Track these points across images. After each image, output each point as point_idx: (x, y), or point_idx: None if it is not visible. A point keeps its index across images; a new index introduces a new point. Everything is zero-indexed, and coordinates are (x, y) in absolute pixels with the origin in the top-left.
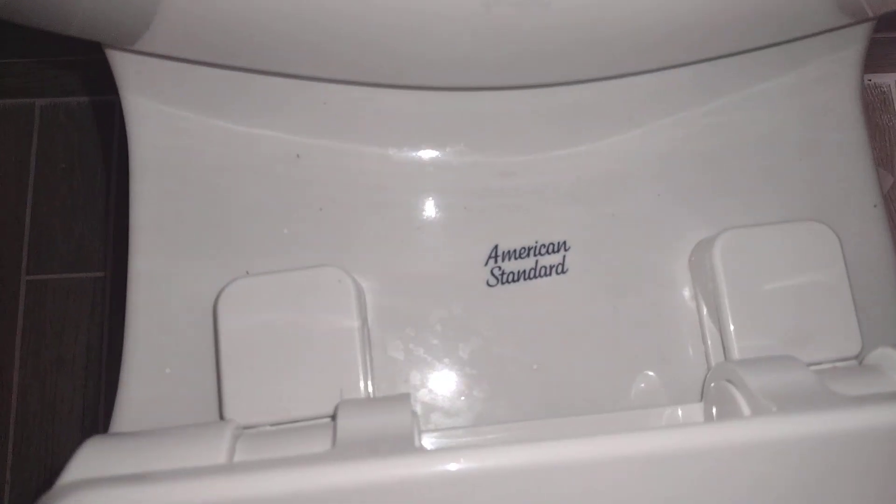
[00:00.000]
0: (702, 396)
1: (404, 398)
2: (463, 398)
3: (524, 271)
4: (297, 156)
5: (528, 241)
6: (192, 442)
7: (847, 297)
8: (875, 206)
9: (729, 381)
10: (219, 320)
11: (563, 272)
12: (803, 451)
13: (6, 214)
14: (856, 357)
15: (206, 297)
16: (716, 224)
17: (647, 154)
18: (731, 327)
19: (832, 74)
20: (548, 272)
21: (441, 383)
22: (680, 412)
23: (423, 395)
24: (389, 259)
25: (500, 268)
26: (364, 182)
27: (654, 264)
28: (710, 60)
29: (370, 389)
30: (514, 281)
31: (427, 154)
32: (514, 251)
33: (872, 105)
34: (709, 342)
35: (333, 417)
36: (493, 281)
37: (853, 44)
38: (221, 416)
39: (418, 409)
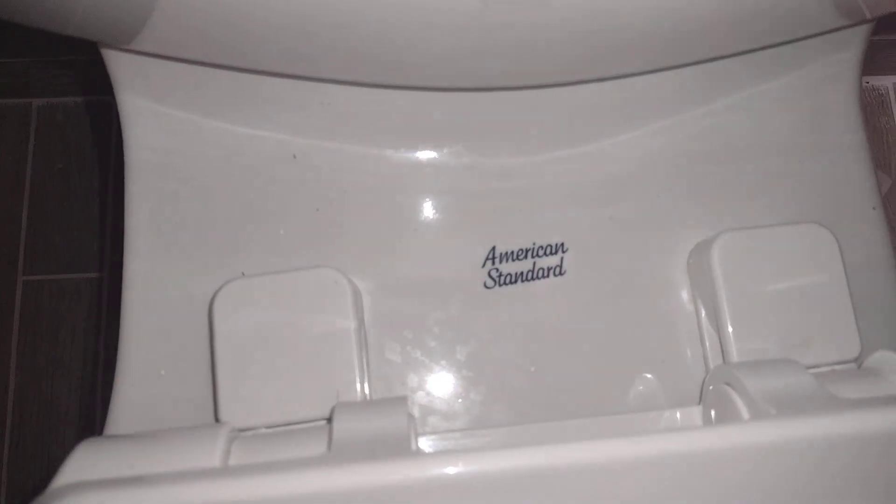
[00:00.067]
0: (700, 399)
1: (401, 401)
2: (460, 401)
3: (522, 273)
4: (294, 156)
5: (526, 243)
6: (186, 445)
7: (846, 299)
8: (874, 208)
9: (728, 384)
10: (214, 322)
11: (560, 274)
12: (803, 454)
13: (2, 214)
14: (855, 360)
15: (202, 298)
16: (714, 226)
17: (646, 156)
18: (730, 330)
19: (831, 76)
20: (545, 274)
21: (438, 386)
22: (678, 415)
23: (420, 397)
24: (386, 260)
25: (497, 269)
26: (361, 183)
27: (653, 266)
28: (708, 62)
29: (367, 392)
30: (511, 283)
31: (424, 155)
32: (512, 253)
33: (870, 107)
34: (707, 345)
35: (329, 420)
36: (490, 283)
37: (852, 46)
38: (217, 419)
39: (415, 411)
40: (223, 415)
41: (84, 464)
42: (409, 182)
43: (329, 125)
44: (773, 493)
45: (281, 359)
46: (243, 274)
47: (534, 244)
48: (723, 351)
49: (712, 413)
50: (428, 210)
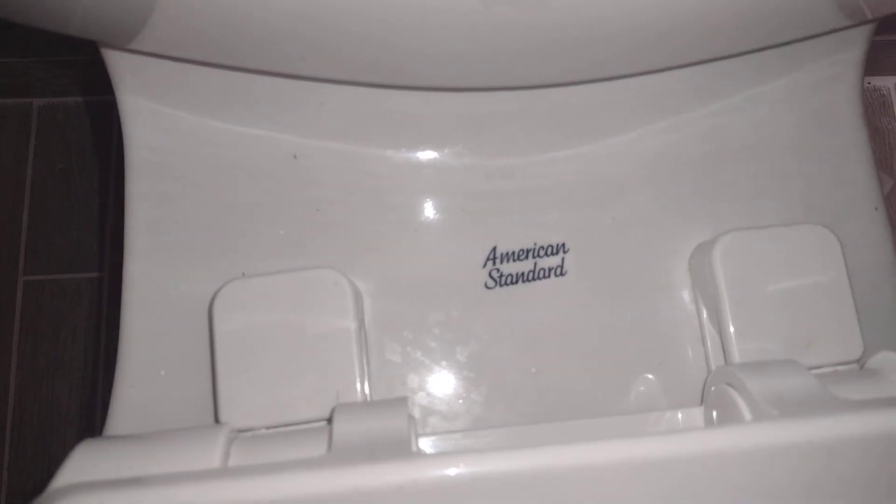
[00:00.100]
0: (702, 400)
1: (401, 402)
2: (461, 401)
3: (523, 273)
4: (294, 156)
5: (527, 244)
6: (186, 446)
7: (848, 300)
8: (876, 208)
9: (730, 384)
10: (214, 322)
11: (561, 274)
12: (805, 456)
13: (3, 214)
14: (857, 361)
15: (202, 298)
16: (716, 227)
17: (647, 156)
18: (732, 330)
19: (833, 77)
20: (546, 274)
21: (439, 386)
22: (680, 416)
23: (420, 398)
24: (387, 261)
25: (498, 270)
26: (362, 183)
27: (654, 267)
28: (710, 62)
29: (367, 393)
30: (512, 283)
31: (425, 155)
32: (513, 253)
33: (872, 108)
34: (709, 345)
35: (329, 421)
36: (491, 283)
37: (854, 46)
38: (216, 419)
39: (416, 412)
40: (223, 415)
41: (83, 465)
42: (410, 182)
43: (330, 125)
44: (776, 494)
45: (281, 359)
46: (243, 274)
47: (535, 244)
48: (724, 352)
49: (714, 414)
50: (429, 210)
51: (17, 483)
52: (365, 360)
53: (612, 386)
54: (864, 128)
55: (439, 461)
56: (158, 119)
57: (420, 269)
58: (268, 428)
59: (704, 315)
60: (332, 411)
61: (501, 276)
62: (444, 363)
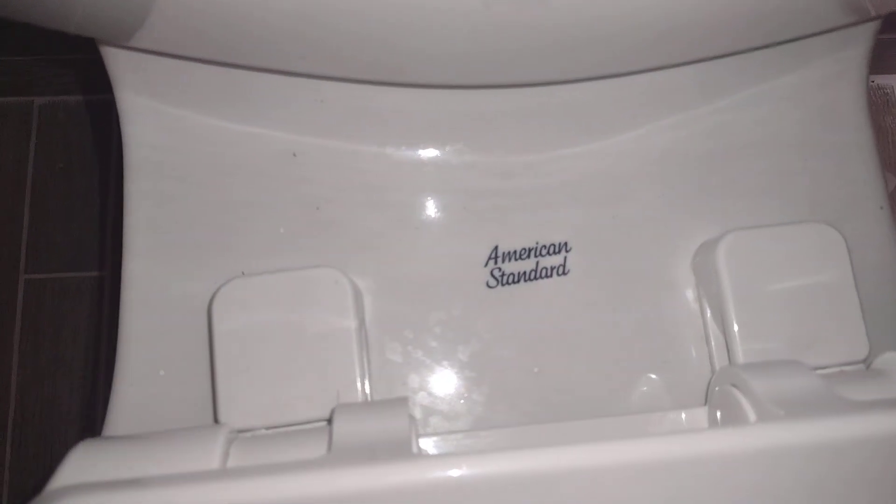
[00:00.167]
0: (706, 400)
1: (402, 402)
2: (462, 401)
3: (525, 272)
4: (294, 154)
5: (529, 242)
6: (185, 446)
7: (854, 299)
8: (881, 207)
9: (734, 385)
10: (213, 321)
11: (564, 273)
12: (810, 457)
13: (4, 213)
14: (863, 361)
15: (201, 297)
16: (719, 225)
17: (650, 154)
18: (736, 330)
19: (837, 74)
20: (549, 273)
21: (440, 386)
22: (683, 416)
23: (421, 398)
24: (387, 260)
25: (500, 269)
26: (362, 181)
27: (657, 266)
28: (714, 59)
29: (367, 392)
30: (514, 282)
31: (426, 153)
32: (515, 252)
33: (876, 106)
34: (713, 345)
35: (329, 421)
36: (493, 282)
37: (858, 44)
38: (216, 419)
39: (417, 412)
40: (222, 415)
41: (82, 465)
42: (411, 180)
43: (330, 123)
44: (781, 496)
45: (281, 359)
46: (243, 273)
47: (537, 243)
48: (728, 351)
49: (718, 414)
50: (430, 209)
51: (18, 482)
52: (365, 360)
53: (615, 386)
54: (869, 125)
55: (440, 462)
56: (158, 117)
57: (421, 268)
58: (267, 428)
59: (708, 314)
60: (333, 411)
61: (503, 274)
62: (445, 363)
